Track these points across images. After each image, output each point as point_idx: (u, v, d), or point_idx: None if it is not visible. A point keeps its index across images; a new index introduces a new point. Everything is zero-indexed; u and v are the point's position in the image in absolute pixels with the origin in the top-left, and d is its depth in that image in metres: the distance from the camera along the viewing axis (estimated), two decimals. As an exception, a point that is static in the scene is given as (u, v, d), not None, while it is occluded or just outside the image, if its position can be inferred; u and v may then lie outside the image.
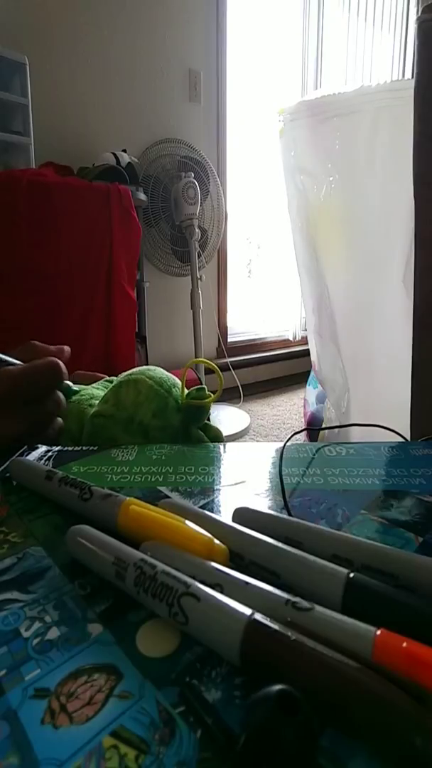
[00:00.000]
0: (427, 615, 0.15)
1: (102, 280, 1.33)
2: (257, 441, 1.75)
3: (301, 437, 1.37)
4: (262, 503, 0.25)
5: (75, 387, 0.37)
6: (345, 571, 0.17)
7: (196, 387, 0.35)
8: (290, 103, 1.16)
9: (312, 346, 1.38)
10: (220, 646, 0.15)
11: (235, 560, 0.19)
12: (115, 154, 1.55)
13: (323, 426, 1.40)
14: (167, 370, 0.38)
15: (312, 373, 1.58)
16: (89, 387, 0.41)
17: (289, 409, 2.12)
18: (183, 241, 1.81)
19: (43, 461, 0.30)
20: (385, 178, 1.03)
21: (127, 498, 0.21)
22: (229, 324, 2.37)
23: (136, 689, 0.14)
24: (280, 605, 0.15)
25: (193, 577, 0.16)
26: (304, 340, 1.88)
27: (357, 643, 0.14)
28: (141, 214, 1.57)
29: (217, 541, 0.19)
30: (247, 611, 0.15)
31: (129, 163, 1.55)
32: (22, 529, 0.22)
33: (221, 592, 0.16)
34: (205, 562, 0.18)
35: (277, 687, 0.12)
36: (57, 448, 0.32)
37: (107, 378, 0.43)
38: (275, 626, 0.14)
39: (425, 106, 0.59)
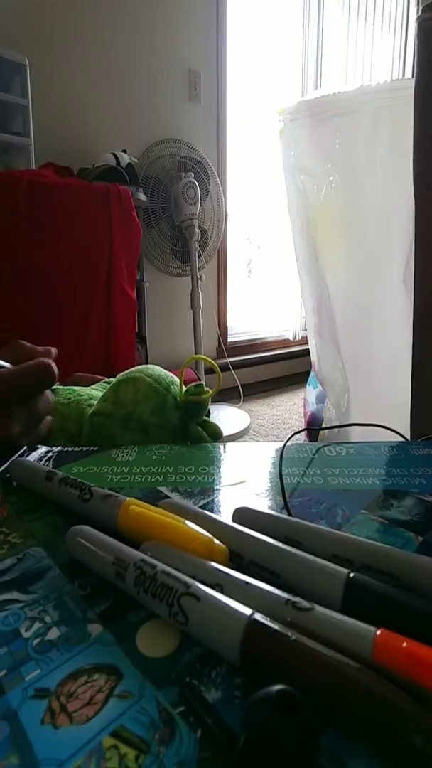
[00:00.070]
0: (427, 615, 0.15)
1: (102, 280, 1.33)
2: (257, 441, 1.75)
3: (301, 437, 1.37)
4: (262, 503, 0.25)
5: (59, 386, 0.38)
6: (345, 571, 0.17)
7: (194, 383, 0.35)
8: (290, 103, 1.16)
9: (312, 346, 1.38)
10: (220, 646, 0.15)
11: (235, 560, 0.19)
12: (115, 155, 1.55)
13: (323, 426, 1.40)
14: (167, 370, 0.38)
15: (312, 373, 1.58)
16: (88, 388, 0.41)
17: (289, 409, 2.12)
18: (183, 241, 1.81)
19: (43, 462, 0.30)
20: (385, 178, 1.03)
21: (127, 498, 0.21)
22: (229, 324, 2.37)
23: (136, 689, 0.14)
24: (280, 605, 0.15)
25: (193, 577, 0.16)
26: (304, 340, 1.88)
27: (357, 643, 0.14)
28: (141, 214, 1.57)
29: (217, 541, 0.19)
30: (247, 611, 0.15)
31: (129, 163, 1.55)
32: (22, 530, 0.22)
33: (221, 592, 0.16)
34: (205, 562, 0.18)
35: (277, 687, 0.12)
36: (57, 449, 0.32)
37: (106, 380, 0.43)
38: (275, 626, 0.14)
39: (425, 106, 0.59)
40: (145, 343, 1.72)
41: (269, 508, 0.25)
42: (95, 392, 0.40)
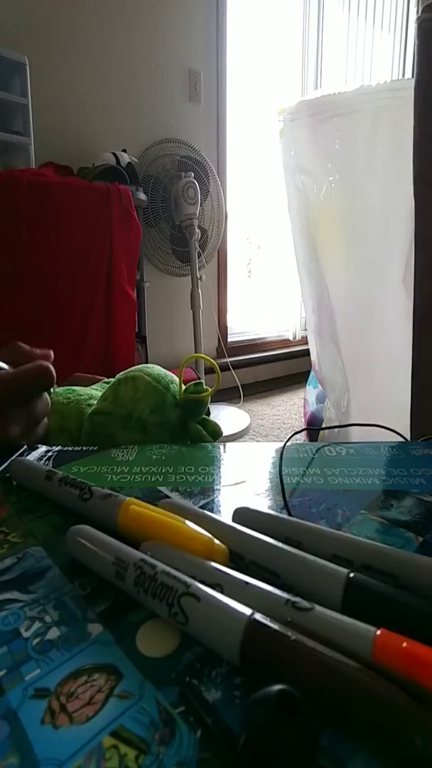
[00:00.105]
0: (427, 615, 0.15)
1: (102, 280, 1.33)
2: (257, 441, 1.75)
3: (301, 437, 1.37)
4: (262, 503, 0.25)
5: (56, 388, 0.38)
6: (345, 571, 0.17)
7: (193, 382, 0.35)
8: (290, 103, 1.16)
9: (312, 346, 1.38)
10: (220, 646, 0.15)
11: (235, 560, 0.19)
12: (115, 154, 1.55)
13: (323, 426, 1.40)
14: (167, 370, 0.38)
15: (312, 373, 1.58)
16: (88, 388, 0.41)
17: (289, 409, 2.12)
18: (183, 241, 1.81)
19: (43, 461, 0.30)
20: (385, 178, 1.03)
21: (127, 498, 0.21)
22: (229, 324, 2.37)
23: (136, 689, 0.14)
24: (280, 605, 0.15)
25: (193, 577, 0.16)
26: (304, 340, 1.88)
27: (357, 643, 0.14)
28: (141, 214, 1.57)
29: (217, 541, 0.19)
30: (247, 611, 0.15)
31: (129, 163, 1.55)
32: (22, 529, 0.22)
33: (221, 592, 0.16)
34: (205, 562, 0.18)
35: (277, 687, 0.12)
36: (57, 448, 0.32)
37: (106, 380, 0.43)
38: (275, 626, 0.14)
39: (425, 106, 0.59)
40: (145, 342, 1.72)
41: (269, 508, 0.25)
42: (95, 392, 0.40)
